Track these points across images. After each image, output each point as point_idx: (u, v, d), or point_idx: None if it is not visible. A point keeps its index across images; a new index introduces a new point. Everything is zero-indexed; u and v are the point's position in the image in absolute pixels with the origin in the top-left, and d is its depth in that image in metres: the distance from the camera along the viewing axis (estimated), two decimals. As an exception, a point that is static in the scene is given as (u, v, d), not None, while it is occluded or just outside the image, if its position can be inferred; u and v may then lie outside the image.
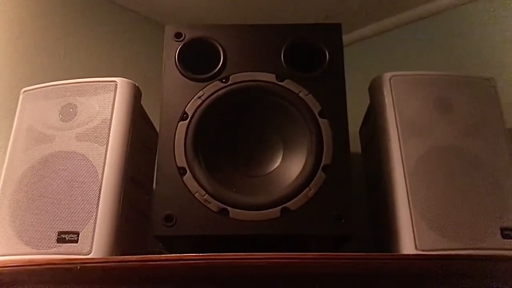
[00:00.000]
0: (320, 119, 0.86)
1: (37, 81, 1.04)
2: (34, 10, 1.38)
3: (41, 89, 1.02)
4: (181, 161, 0.84)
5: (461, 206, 0.85)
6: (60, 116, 0.98)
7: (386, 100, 0.95)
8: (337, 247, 0.90)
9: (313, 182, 0.82)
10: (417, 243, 0.82)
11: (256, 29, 0.93)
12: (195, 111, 0.87)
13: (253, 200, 0.82)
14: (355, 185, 1.16)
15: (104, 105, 0.97)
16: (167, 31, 0.93)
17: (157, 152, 0.85)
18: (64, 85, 1.01)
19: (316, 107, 0.87)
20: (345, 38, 1.62)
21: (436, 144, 0.90)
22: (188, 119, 0.86)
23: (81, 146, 0.94)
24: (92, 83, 0.99)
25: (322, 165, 0.84)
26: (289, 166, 0.87)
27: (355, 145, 1.22)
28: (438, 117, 0.92)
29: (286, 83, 0.89)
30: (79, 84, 1.00)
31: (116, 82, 0.99)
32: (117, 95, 0.98)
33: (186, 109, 0.87)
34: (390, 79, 0.97)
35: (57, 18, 1.42)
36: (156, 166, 0.85)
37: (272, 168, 0.89)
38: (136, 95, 1.01)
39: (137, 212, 1.02)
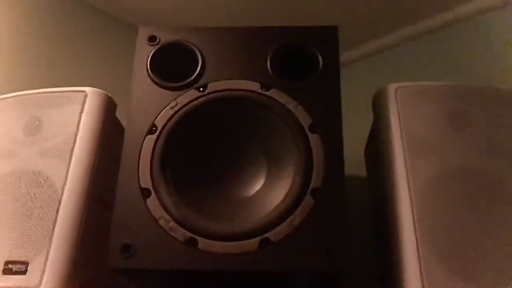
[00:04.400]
0: (310, 134, 0.73)
1: (13, 90, 0.95)
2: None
3: (5, 99, 0.92)
4: (146, 181, 0.72)
5: (480, 239, 0.70)
6: (24, 130, 0.88)
7: (391, 114, 0.82)
8: (328, 285, 0.76)
9: (299, 208, 0.69)
10: (424, 282, 0.68)
11: (239, 32, 0.82)
12: (166, 123, 0.75)
13: (228, 228, 0.69)
14: (361, 214, 1.01)
15: (71, 117, 0.86)
16: (140, 33, 0.83)
17: (119, 171, 0.74)
18: (30, 96, 0.91)
19: (306, 120, 0.74)
20: (349, 53, 1.53)
21: (450, 165, 0.76)
22: (157, 132, 0.74)
23: (44, 163, 0.83)
24: (59, 93, 0.90)
25: (310, 188, 0.70)
26: (273, 189, 0.74)
27: (361, 168, 1.08)
28: (453, 134, 0.78)
29: (272, 93, 0.76)
30: (46, 94, 0.90)
31: (86, 92, 0.89)
32: (86, 106, 0.87)
33: (155, 121, 0.75)
34: (395, 90, 0.84)
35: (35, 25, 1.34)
36: (117, 186, 0.73)
37: (253, 191, 0.76)
38: (109, 106, 0.90)
39: (103, 238, 0.90)
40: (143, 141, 0.74)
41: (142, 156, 0.73)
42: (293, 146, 0.73)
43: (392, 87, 0.84)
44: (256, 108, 0.77)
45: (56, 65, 1.32)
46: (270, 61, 0.79)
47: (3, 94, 0.93)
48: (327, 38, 0.80)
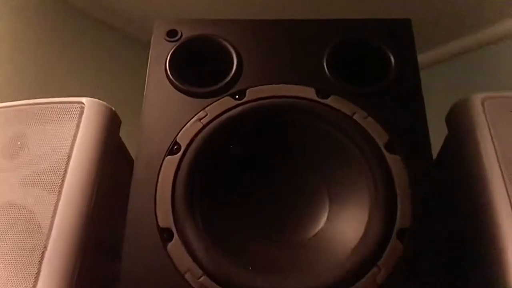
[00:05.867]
0: (388, 155, 0.54)
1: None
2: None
3: (-19, 113, 0.72)
4: (166, 219, 0.52)
5: None
6: (2, 151, 0.68)
7: (479, 131, 0.63)
8: None
9: (384, 257, 0.49)
10: None
11: (285, 26, 0.64)
12: (192, 140, 0.56)
13: (281, 285, 0.49)
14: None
15: (63, 136, 0.67)
16: (157, 27, 0.64)
17: (129, 206, 0.54)
18: (12, 108, 0.72)
19: (381, 137, 0.55)
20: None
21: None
22: (181, 152, 0.55)
23: (26, 195, 0.63)
24: (50, 105, 0.70)
25: (396, 228, 0.51)
26: (340, 230, 0.54)
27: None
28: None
29: (332, 101, 0.58)
30: (33, 106, 0.71)
31: (83, 104, 0.69)
32: (82, 121, 0.68)
33: (177, 137, 0.56)
34: (482, 102, 0.66)
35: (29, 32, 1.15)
36: (126, 226, 0.53)
37: (312, 233, 0.55)
38: (112, 123, 0.71)
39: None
40: (162, 164, 0.55)
41: (160, 184, 0.54)
42: (366, 171, 0.54)
43: (477, 98, 0.66)
44: (311, 120, 0.58)
45: (53, 77, 1.13)
46: (327, 61, 0.60)
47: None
48: (399, 33, 0.62)
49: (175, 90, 0.59)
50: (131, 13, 1.20)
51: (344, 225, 0.54)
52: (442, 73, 1.21)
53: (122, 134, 0.75)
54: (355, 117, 0.57)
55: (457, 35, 1.12)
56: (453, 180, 0.69)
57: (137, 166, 0.55)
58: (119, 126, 0.74)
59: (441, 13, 1.05)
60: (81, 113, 0.69)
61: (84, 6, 1.22)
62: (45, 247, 0.58)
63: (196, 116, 0.57)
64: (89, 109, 0.69)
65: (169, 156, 0.55)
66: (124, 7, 1.20)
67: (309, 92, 0.58)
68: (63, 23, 1.20)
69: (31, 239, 0.60)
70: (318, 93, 0.58)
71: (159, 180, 0.54)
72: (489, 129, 0.63)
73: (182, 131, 0.56)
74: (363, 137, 0.55)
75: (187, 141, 0.55)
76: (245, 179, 0.58)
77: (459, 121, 0.67)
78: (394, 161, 0.54)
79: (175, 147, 0.55)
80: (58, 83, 1.13)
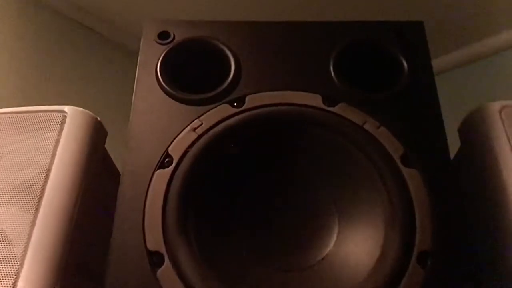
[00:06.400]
0: (404, 169, 0.49)
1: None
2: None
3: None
4: (155, 242, 0.46)
5: None
6: (-26, 165, 0.61)
7: (497, 142, 0.58)
8: None
9: (402, 284, 0.43)
10: None
11: (288, 28, 0.59)
12: (185, 152, 0.50)
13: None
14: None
15: (42, 147, 0.61)
16: (147, 28, 0.59)
17: (114, 226, 0.47)
18: (-13, 117, 0.65)
19: (395, 148, 0.50)
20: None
21: None
22: (173, 165, 0.49)
23: (-1, 213, 0.57)
24: (28, 114, 0.64)
25: (416, 251, 0.45)
26: (352, 253, 0.48)
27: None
28: None
29: (340, 109, 0.52)
30: (8, 115, 0.64)
31: (65, 112, 0.63)
32: (64, 132, 0.62)
33: (169, 149, 0.50)
34: (500, 111, 0.61)
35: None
36: (111, 249, 0.47)
37: (321, 256, 0.49)
38: (97, 134, 0.65)
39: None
40: (151, 179, 0.49)
41: (149, 202, 0.48)
42: (380, 187, 0.48)
43: (494, 107, 0.61)
44: (317, 131, 0.52)
45: (36, 85, 1.06)
46: (334, 65, 0.55)
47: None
48: (411, 35, 0.57)
49: (166, 96, 0.54)
50: (119, 18, 1.14)
51: (356, 248, 0.48)
52: (453, 81, 1.17)
53: (109, 146, 0.69)
54: (366, 126, 0.51)
55: (466, 42, 1.08)
56: (469, 196, 0.64)
57: (124, 181, 0.49)
58: (105, 138, 0.68)
59: (450, 18, 1.00)
60: (63, 122, 0.63)
61: (67, 11, 1.15)
62: (17, 274, 0.51)
63: (190, 126, 0.51)
64: (71, 118, 0.63)
65: (159, 170, 0.49)
66: (111, 12, 1.14)
67: (315, 99, 0.53)
68: (46, 29, 1.13)
69: (3, 262, 0.53)
70: (325, 100, 0.53)
71: (148, 197, 0.48)
72: (508, 139, 0.58)
73: (174, 142, 0.50)
74: (375, 149, 0.50)
75: (179, 153, 0.50)
76: (245, 196, 0.52)
77: (474, 132, 0.62)
78: (411, 176, 0.49)
79: (167, 160, 0.50)
80: (41, 91, 1.06)
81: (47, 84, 1.07)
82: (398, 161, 0.49)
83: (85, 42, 1.18)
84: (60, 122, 0.63)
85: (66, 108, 0.64)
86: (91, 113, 0.66)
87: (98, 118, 0.66)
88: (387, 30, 0.57)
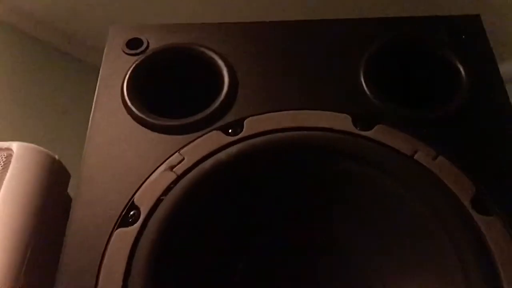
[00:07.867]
0: (477, 216, 0.33)
1: None
2: None
3: None
4: None
5: None
6: None
7: None
8: None
9: None
10: None
11: (298, 29, 0.44)
12: (158, 201, 0.34)
13: None
14: None
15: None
16: (113, 35, 0.44)
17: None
18: None
19: (463, 188, 0.34)
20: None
21: None
22: (140, 222, 0.34)
23: None
24: (-37, 152, 0.49)
25: None
26: None
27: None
28: None
29: (379, 133, 0.37)
30: None
31: (11, 150, 0.49)
32: (8, 176, 0.47)
33: (135, 198, 0.35)
34: None
35: None
36: None
37: None
38: (55, 177, 0.50)
39: None
40: (108, 241, 0.33)
41: (103, 276, 0.32)
42: (444, 243, 0.33)
43: None
44: (348, 165, 0.36)
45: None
46: (365, 73, 0.40)
47: None
48: (468, 33, 0.42)
49: (135, 122, 0.39)
50: (90, 40, 1.00)
51: None
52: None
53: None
54: (417, 157, 0.36)
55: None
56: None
57: (68, 245, 0.34)
58: (67, 181, 0.53)
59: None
60: (7, 163, 0.48)
61: (28, 29, 1.00)
62: None
63: (166, 162, 0.36)
64: (20, 157, 0.48)
65: (120, 229, 0.33)
66: (80, 33, 1.00)
67: (342, 121, 0.38)
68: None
69: None
70: (355, 121, 0.37)
71: (102, 270, 0.32)
72: None
73: (143, 187, 0.35)
74: (434, 190, 0.34)
75: (150, 204, 0.34)
76: (242, 264, 0.36)
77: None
78: (488, 226, 0.33)
79: (131, 213, 0.34)
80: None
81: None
82: (469, 206, 0.33)
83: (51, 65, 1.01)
84: (3, 163, 0.48)
85: (14, 145, 0.49)
86: (47, 151, 0.51)
87: (57, 157, 0.51)
88: (435, 26, 0.42)
